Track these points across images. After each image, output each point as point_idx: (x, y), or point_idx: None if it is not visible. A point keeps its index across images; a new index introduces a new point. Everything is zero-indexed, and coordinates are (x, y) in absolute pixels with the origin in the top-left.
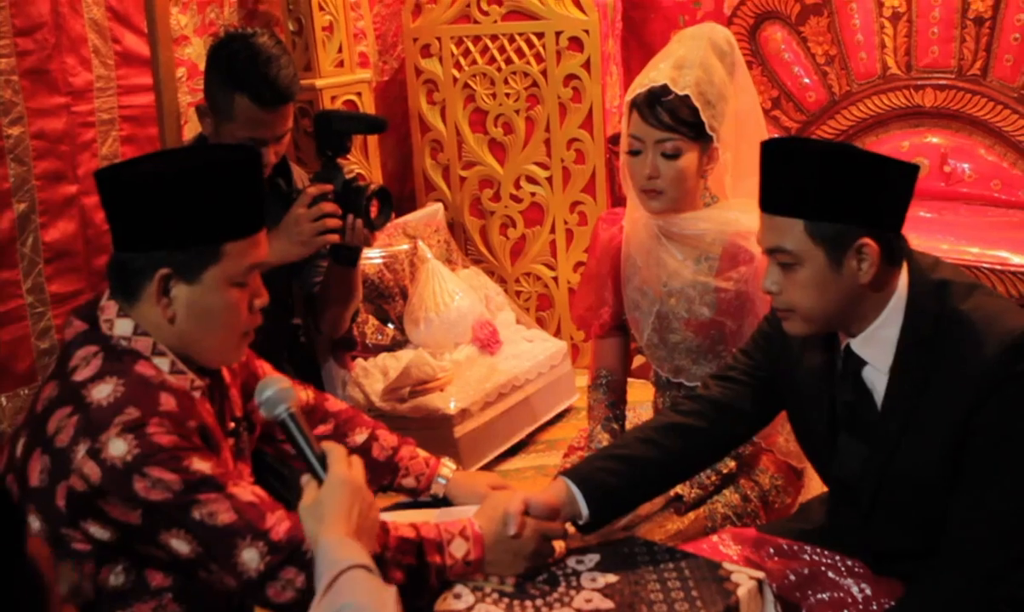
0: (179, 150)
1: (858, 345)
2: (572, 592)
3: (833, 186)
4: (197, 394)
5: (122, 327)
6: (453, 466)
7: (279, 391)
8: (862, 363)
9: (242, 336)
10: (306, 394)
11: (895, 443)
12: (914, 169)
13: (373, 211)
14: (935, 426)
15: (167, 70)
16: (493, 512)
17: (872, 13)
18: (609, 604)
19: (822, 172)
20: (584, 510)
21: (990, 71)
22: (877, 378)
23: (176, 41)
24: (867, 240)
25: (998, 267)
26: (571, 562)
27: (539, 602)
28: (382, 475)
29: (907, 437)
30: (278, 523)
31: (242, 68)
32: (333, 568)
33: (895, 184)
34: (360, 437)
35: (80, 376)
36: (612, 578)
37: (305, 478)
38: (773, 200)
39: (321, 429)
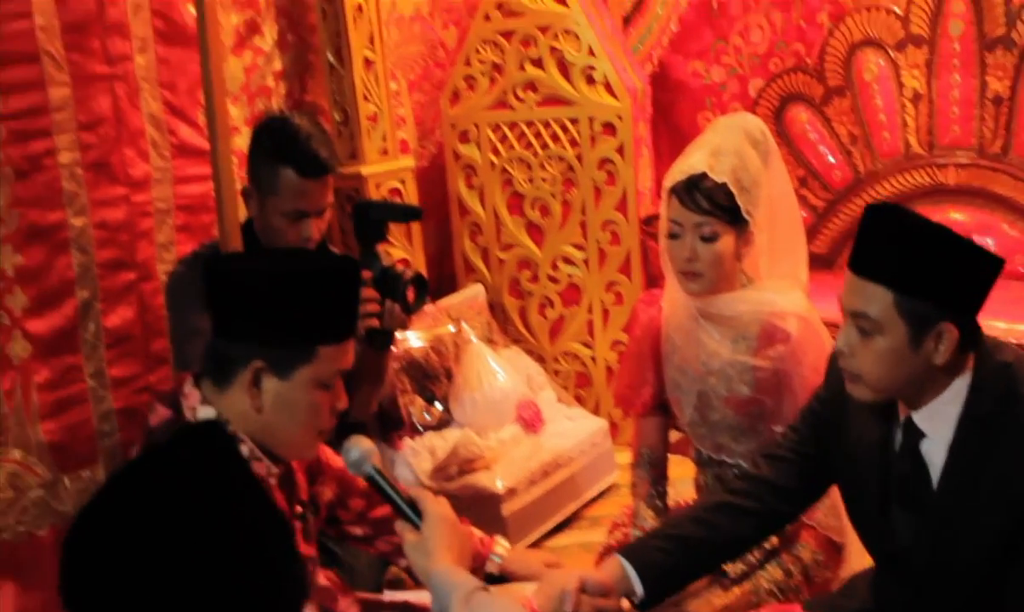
0: (286, 251)
1: (920, 418)
2: None
3: (932, 265)
4: (272, 480)
5: (204, 414)
6: (507, 544)
7: (363, 451)
8: (921, 435)
9: (318, 434)
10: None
11: (950, 519)
12: (1000, 262)
13: (410, 296)
14: (994, 506)
15: (225, 160)
16: (551, 590)
17: (893, 94)
18: None
19: (925, 249)
20: (639, 588)
21: (1011, 149)
22: (935, 453)
23: None
24: (949, 325)
25: None
26: None
27: None
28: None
29: (963, 514)
30: (348, 608)
31: (285, 142)
32: (459, 590)
33: (984, 273)
34: (383, 511)
35: None
36: None
37: (399, 525)
38: (867, 263)
39: (381, 511)
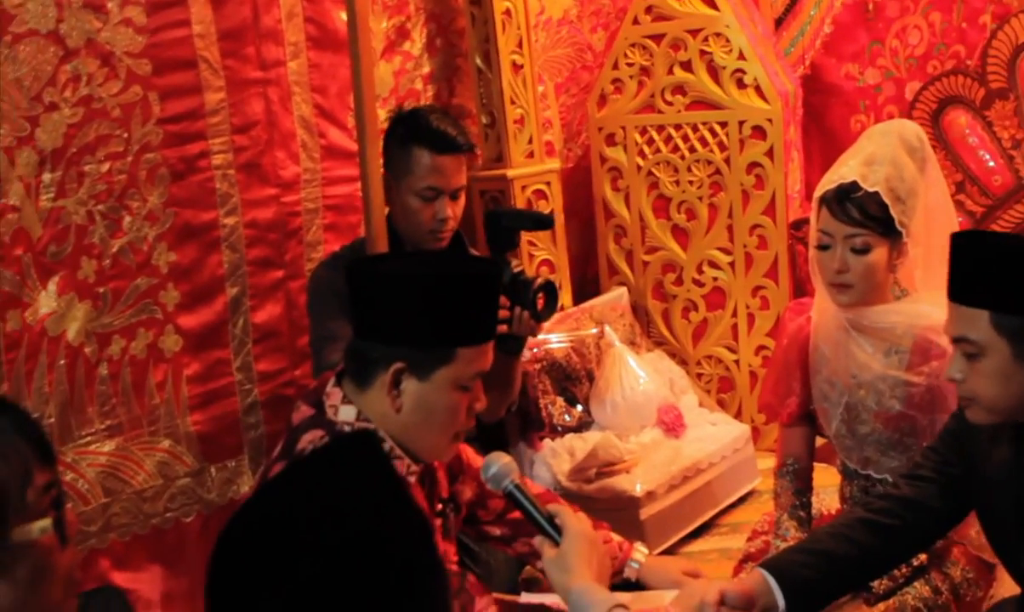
0: (427, 253)
1: None
2: None
3: (1021, 280)
4: (412, 479)
5: (346, 413)
6: (646, 551)
7: (503, 466)
8: None
9: (455, 437)
10: None
11: None
12: None
13: (540, 303)
14: None
15: (373, 162)
16: (690, 600)
17: None
18: None
19: (1010, 265)
20: (781, 602)
21: None
22: None
23: None
24: None
25: None
26: None
27: None
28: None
29: None
30: (486, 608)
31: (417, 125)
32: (598, 607)
33: None
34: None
35: None
36: None
37: (538, 540)
38: (960, 290)
39: (494, 503)
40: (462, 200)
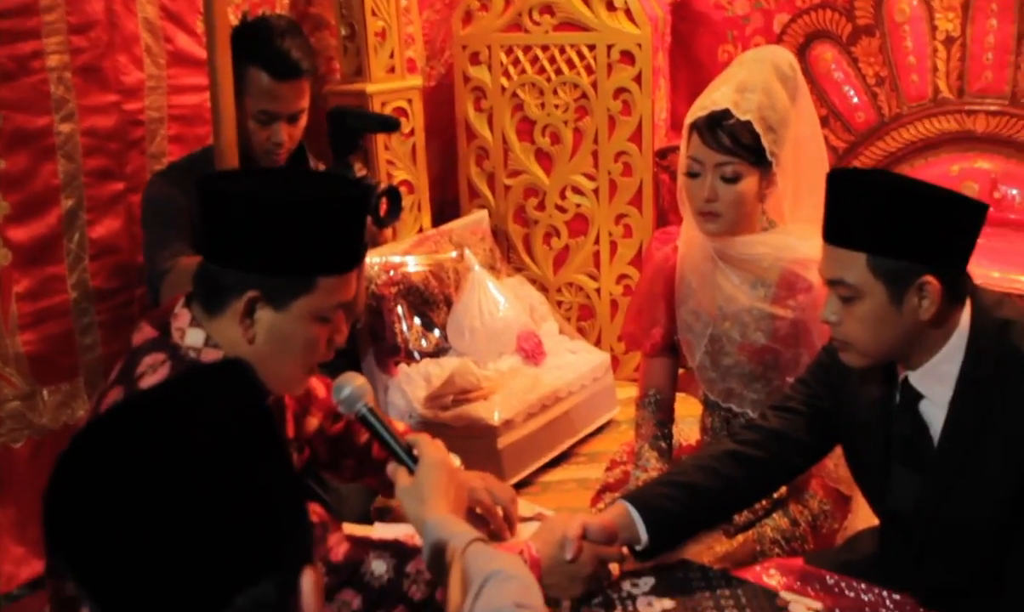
0: (287, 172)
1: (916, 379)
2: None
3: (898, 221)
4: None
5: (193, 337)
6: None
7: (356, 389)
8: (919, 396)
9: (311, 370)
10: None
11: (951, 479)
12: (982, 208)
13: (382, 209)
14: (994, 466)
15: (224, 72)
16: (550, 535)
17: (925, 36)
18: None
19: (887, 206)
20: (644, 536)
21: None
22: (934, 412)
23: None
24: (929, 278)
25: None
26: (626, 586)
27: None
28: (382, 471)
29: (964, 474)
30: (337, 544)
31: (257, 42)
32: (455, 540)
33: (962, 222)
34: (364, 437)
35: (146, 383)
36: (668, 603)
37: (391, 467)
38: (835, 231)
39: (336, 427)
40: (302, 121)
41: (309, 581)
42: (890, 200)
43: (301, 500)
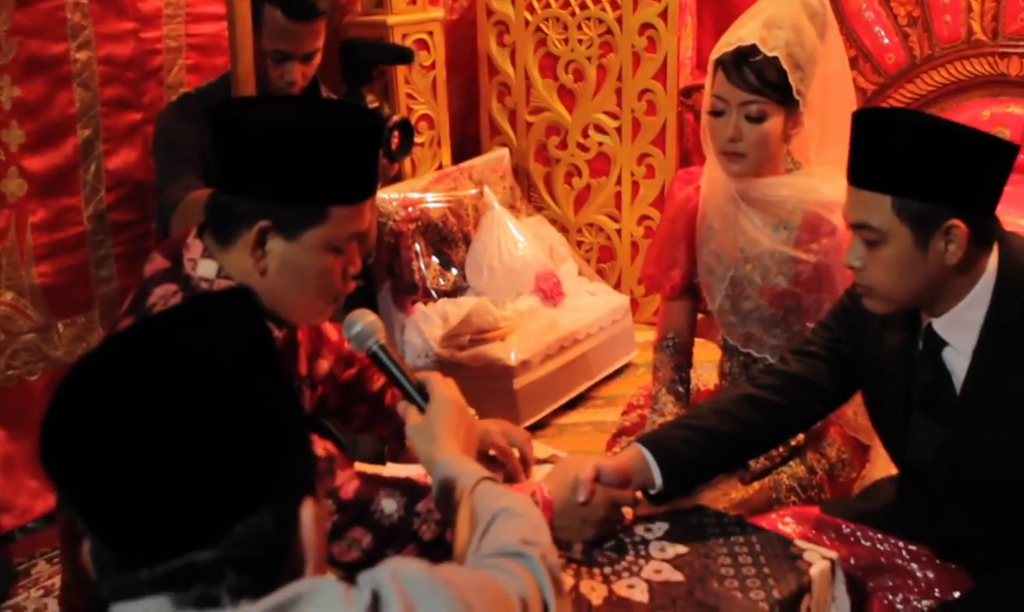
0: (300, 100)
1: (940, 326)
2: (641, 561)
3: (924, 163)
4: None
5: (205, 268)
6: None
7: (367, 325)
8: (943, 344)
9: (331, 301)
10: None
11: (973, 429)
12: (1012, 148)
13: (394, 143)
14: (1017, 416)
15: (241, 1)
16: (563, 477)
17: None
18: (679, 576)
19: (914, 147)
20: (658, 480)
21: None
22: (958, 360)
23: None
24: (956, 221)
25: None
26: (639, 530)
27: (607, 570)
28: (393, 420)
29: (986, 424)
30: (347, 482)
31: None
32: (464, 479)
33: (990, 164)
34: (378, 384)
35: None
36: (681, 549)
37: (402, 405)
38: (861, 174)
39: (348, 373)
40: (316, 59)
41: (309, 513)
42: (916, 141)
43: (302, 429)
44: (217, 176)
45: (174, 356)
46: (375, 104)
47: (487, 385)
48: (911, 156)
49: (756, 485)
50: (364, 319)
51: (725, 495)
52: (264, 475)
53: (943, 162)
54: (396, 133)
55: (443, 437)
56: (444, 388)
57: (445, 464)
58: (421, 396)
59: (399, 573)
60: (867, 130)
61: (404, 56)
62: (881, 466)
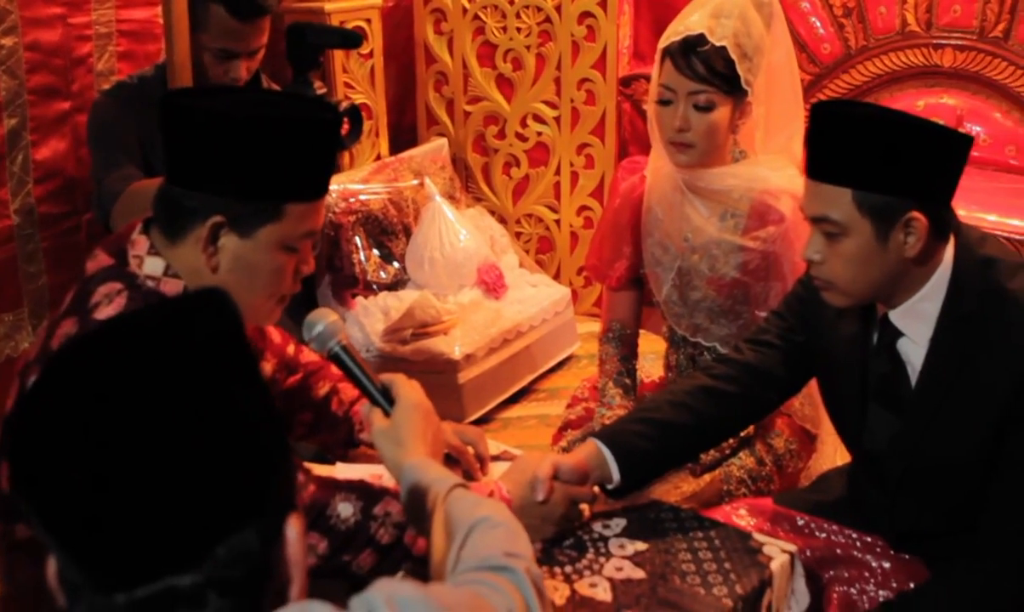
0: (257, 92)
1: (897, 316)
2: (601, 560)
3: (885, 156)
4: None
5: (152, 266)
6: None
7: (328, 326)
8: (899, 334)
9: (279, 300)
10: (291, 347)
11: (928, 420)
12: (968, 140)
13: (343, 129)
14: (973, 406)
15: None
16: (521, 476)
17: None
18: (641, 574)
19: (875, 140)
20: (616, 475)
21: (1012, 34)
22: (913, 351)
23: None
24: (916, 214)
25: (1016, 236)
26: (597, 527)
27: (568, 569)
28: (340, 428)
29: (941, 415)
30: (303, 486)
31: None
32: (437, 485)
33: (949, 155)
34: (323, 390)
35: (101, 314)
36: (641, 546)
37: (366, 407)
38: (821, 167)
39: (291, 379)
40: (261, 54)
41: (294, 530)
42: (877, 134)
43: (285, 441)
44: (167, 169)
45: (153, 362)
46: (322, 90)
47: (431, 379)
48: (871, 149)
49: (707, 477)
50: (326, 319)
51: (676, 488)
52: (249, 491)
53: (903, 154)
54: (346, 120)
55: (410, 441)
56: (410, 391)
57: (414, 469)
58: (386, 399)
59: (394, 597)
60: (827, 123)
61: (352, 40)
62: (827, 455)
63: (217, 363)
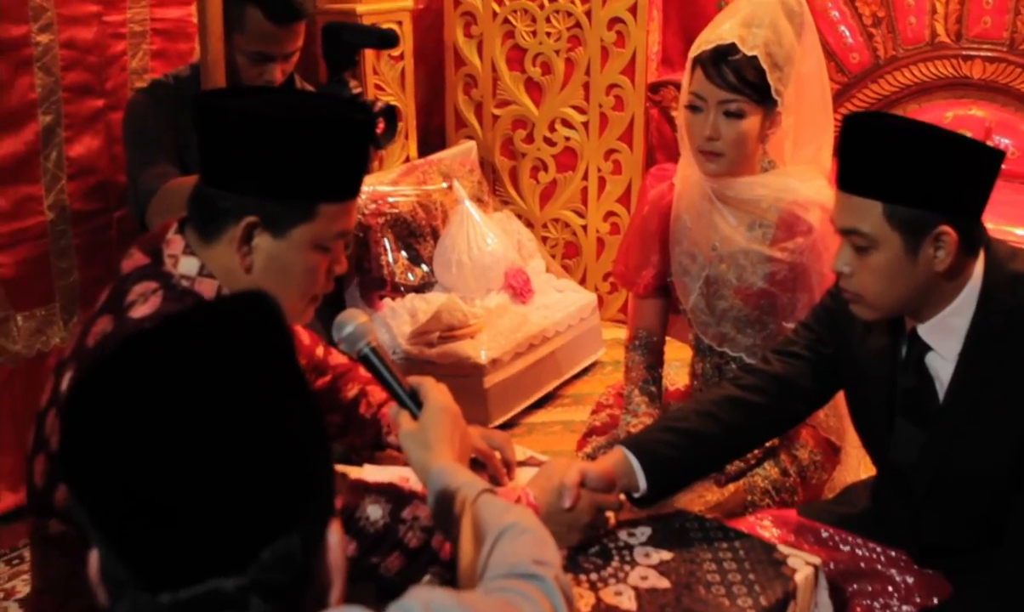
0: (291, 92)
1: (925, 331)
2: (627, 568)
3: (916, 169)
4: None
5: (187, 266)
6: None
7: (358, 327)
8: (927, 349)
9: (312, 300)
10: (320, 349)
11: (954, 434)
12: (1000, 154)
13: (379, 128)
14: (1000, 422)
15: None
16: (548, 483)
17: None
18: (666, 583)
19: (906, 154)
20: (642, 483)
21: None
22: (942, 366)
23: None
24: (946, 228)
25: None
26: (623, 535)
27: (593, 576)
28: (367, 430)
29: (969, 429)
30: (337, 490)
31: None
32: (465, 490)
33: (980, 170)
34: (352, 392)
35: (137, 313)
36: (666, 555)
37: (394, 410)
38: (852, 179)
39: (320, 381)
40: (296, 57)
41: (335, 535)
42: (908, 147)
43: (329, 446)
44: (202, 169)
45: (205, 368)
46: (358, 89)
47: (456, 383)
48: (903, 162)
49: (731, 487)
50: (356, 320)
51: (700, 497)
52: (295, 496)
53: (934, 168)
54: (381, 119)
55: (438, 445)
56: (438, 394)
57: (442, 473)
58: (414, 402)
59: (431, 604)
60: (857, 135)
61: (389, 40)
62: (851, 467)
63: (266, 368)
